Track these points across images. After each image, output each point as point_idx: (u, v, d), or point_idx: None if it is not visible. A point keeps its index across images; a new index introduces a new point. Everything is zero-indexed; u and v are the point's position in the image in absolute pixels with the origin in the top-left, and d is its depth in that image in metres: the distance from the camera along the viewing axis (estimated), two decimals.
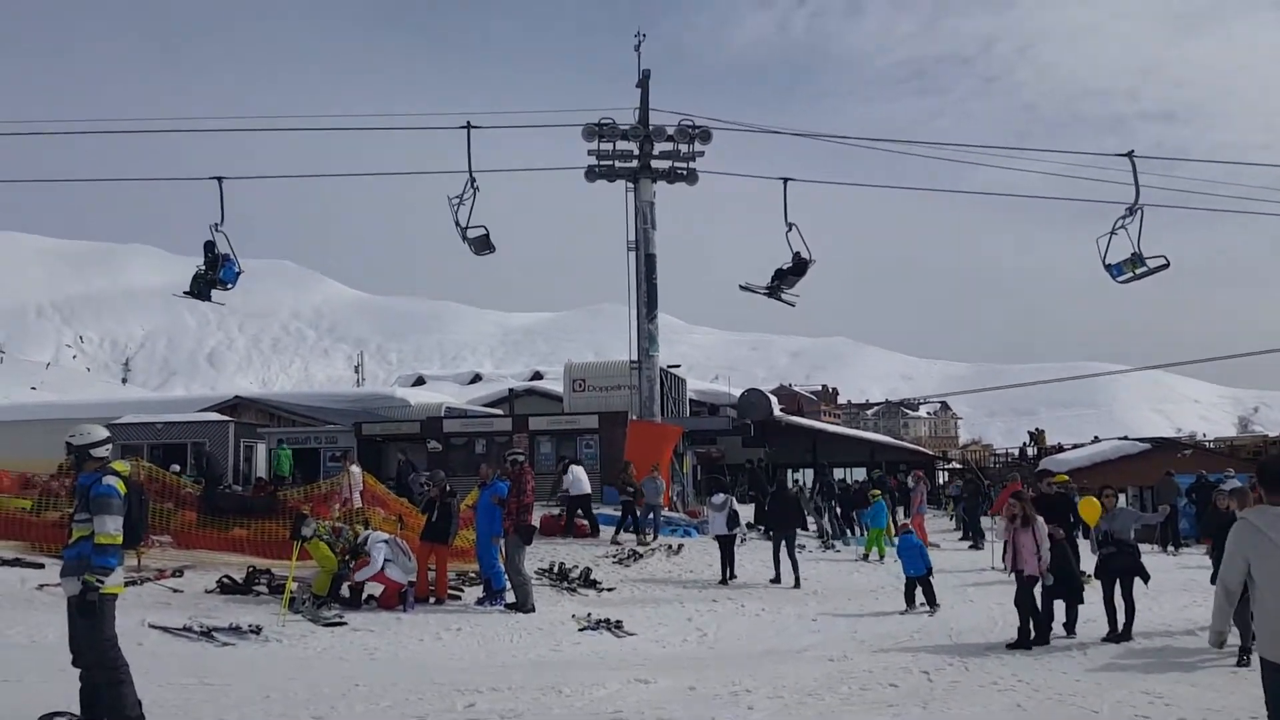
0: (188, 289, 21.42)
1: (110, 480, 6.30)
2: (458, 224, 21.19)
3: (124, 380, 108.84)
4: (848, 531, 23.72)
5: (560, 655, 10.56)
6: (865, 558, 19.38)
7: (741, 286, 23.13)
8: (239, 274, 21.18)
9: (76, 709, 6.37)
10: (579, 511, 19.51)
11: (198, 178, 20.81)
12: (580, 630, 11.73)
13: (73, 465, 6.78)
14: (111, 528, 6.21)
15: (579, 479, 19.65)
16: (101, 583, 6.18)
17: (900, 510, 24.85)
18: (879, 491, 21.54)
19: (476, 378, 64.79)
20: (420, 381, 60.23)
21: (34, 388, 54.00)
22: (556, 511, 20.05)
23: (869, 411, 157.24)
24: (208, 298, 21.38)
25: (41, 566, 13.65)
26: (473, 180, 20.92)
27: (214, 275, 20.99)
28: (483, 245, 21.78)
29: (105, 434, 6.64)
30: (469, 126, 21.28)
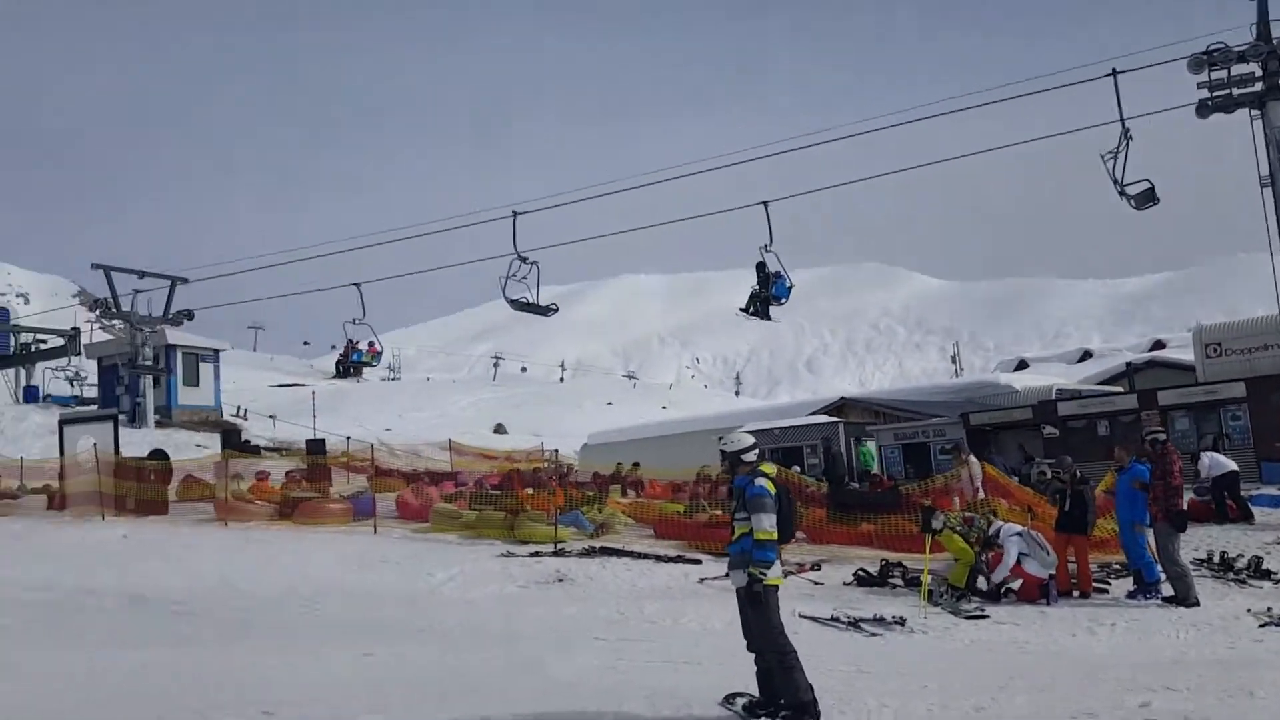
0: (743, 306, 22.76)
1: (762, 482, 6.84)
2: (1115, 180, 19.89)
3: (736, 393, 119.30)
4: None
5: (1239, 654, 9.27)
6: None
7: None
8: (790, 288, 22.02)
9: (754, 690, 6.96)
10: (1225, 493, 17.29)
11: (747, 205, 21.52)
12: (1261, 626, 10.22)
13: (727, 470, 7.45)
14: (768, 524, 6.72)
15: (1216, 461, 17.78)
16: (764, 574, 6.71)
17: None
18: None
19: (1086, 355, 60.68)
20: (1023, 365, 57.77)
21: (664, 406, 61.25)
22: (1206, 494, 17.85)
23: None
24: (766, 315, 22.50)
25: (699, 562, 15.31)
26: (1126, 130, 19.50)
27: (767, 293, 22.08)
28: (1146, 199, 20.14)
29: (752, 440, 7.23)
30: (1115, 73, 19.68)
